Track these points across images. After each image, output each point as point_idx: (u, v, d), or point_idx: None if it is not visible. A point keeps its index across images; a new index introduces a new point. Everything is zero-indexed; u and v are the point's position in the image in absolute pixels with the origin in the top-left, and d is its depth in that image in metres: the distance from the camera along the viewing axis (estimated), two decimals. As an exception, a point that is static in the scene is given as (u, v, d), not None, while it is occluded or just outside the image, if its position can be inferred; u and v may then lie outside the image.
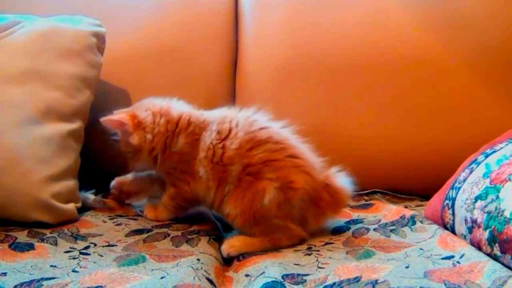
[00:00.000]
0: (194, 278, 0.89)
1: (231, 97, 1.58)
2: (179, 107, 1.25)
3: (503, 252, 0.92)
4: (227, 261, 1.07)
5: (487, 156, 1.11)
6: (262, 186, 1.07)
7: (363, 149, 1.42)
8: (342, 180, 1.14)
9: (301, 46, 1.54)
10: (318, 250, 1.06)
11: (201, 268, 0.94)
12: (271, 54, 1.56)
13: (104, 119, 1.19)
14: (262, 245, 1.08)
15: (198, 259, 0.98)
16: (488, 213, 0.98)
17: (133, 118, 1.19)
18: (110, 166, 1.49)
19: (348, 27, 1.53)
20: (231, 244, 1.08)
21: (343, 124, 1.46)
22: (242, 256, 1.05)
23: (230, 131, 1.13)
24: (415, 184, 1.44)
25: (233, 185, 1.11)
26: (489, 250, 0.95)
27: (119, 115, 1.19)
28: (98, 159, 1.45)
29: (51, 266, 0.95)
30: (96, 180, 1.46)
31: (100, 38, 1.38)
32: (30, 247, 1.04)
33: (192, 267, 0.93)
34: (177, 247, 1.07)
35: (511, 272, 0.87)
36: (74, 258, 1.00)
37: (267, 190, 1.06)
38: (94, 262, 0.98)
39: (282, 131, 1.17)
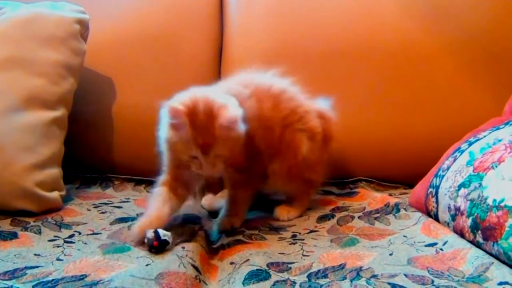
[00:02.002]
0: (179, 265, 0.89)
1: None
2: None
3: (485, 239, 0.93)
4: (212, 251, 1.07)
5: (470, 144, 1.12)
6: (298, 138, 1.17)
7: (348, 137, 1.42)
8: (326, 107, 1.27)
9: (286, 34, 1.53)
10: (303, 239, 1.06)
11: (186, 256, 0.93)
12: (256, 42, 1.55)
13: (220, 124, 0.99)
14: (304, 204, 1.23)
15: (183, 247, 0.97)
16: (471, 200, 0.99)
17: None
18: (94, 155, 1.49)
19: (333, 15, 1.53)
20: (288, 210, 1.20)
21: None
22: (227, 245, 1.05)
23: (257, 94, 1.14)
24: (400, 172, 1.44)
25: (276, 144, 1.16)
26: (471, 237, 0.96)
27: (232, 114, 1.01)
28: (81, 147, 1.44)
29: (35, 254, 0.95)
30: (80, 168, 1.45)
31: (83, 25, 1.37)
32: (14, 235, 1.04)
33: (177, 254, 0.93)
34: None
35: (493, 258, 0.88)
36: (58, 247, 0.99)
37: (302, 142, 1.17)
38: (79, 250, 0.98)
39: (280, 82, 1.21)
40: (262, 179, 1.18)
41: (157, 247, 0.95)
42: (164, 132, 1.04)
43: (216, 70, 1.58)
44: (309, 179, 1.23)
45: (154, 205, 1.06)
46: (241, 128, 1.02)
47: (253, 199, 1.18)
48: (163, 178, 1.10)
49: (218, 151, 1.00)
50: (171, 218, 1.06)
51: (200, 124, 0.98)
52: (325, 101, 1.28)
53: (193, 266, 0.91)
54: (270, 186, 1.21)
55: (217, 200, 1.28)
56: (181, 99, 1.02)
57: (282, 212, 1.20)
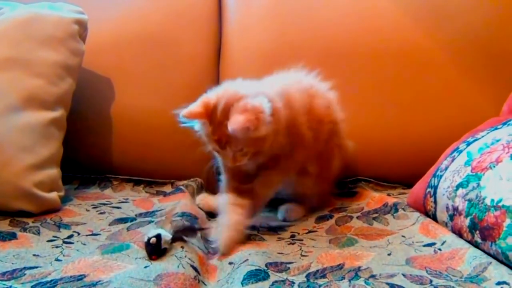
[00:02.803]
0: (178, 266, 0.89)
1: (215, 84, 1.56)
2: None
3: (483, 239, 0.93)
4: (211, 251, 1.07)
5: (468, 144, 1.12)
6: (334, 152, 1.26)
7: (347, 137, 1.42)
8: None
9: (285, 34, 1.53)
10: (302, 239, 1.06)
11: (185, 256, 0.93)
12: (255, 42, 1.55)
13: (230, 129, 0.99)
14: (311, 206, 1.25)
15: (182, 247, 0.97)
16: (469, 200, 0.99)
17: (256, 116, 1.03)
18: (92, 155, 1.49)
19: (333, 15, 1.53)
20: (295, 210, 1.23)
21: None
22: None
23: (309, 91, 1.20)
24: (398, 172, 1.44)
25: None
26: (470, 237, 0.97)
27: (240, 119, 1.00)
28: (80, 148, 1.44)
29: (34, 255, 0.95)
30: (79, 169, 1.45)
31: (82, 25, 1.37)
32: (13, 236, 1.04)
33: (175, 255, 0.93)
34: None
35: (491, 258, 0.88)
36: (57, 247, 0.99)
37: (335, 156, 1.26)
38: (77, 250, 0.98)
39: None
40: (290, 177, 1.19)
41: (156, 259, 0.94)
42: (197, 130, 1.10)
43: (215, 71, 1.58)
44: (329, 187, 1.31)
45: (229, 216, 1.07)
46: (264, 128, 1.01)
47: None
48: (223, 180, 1.19)
49: (235, 147, 1.04)
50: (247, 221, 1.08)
51: (218, 121, 1.03)
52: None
53: (192, 266, 0.91)
54: (297, 185, 1.23)
55: (213, 200, 1.28)
56: (209, 95, 1.07)
57: (290, 212, 1.22)
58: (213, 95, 1.05)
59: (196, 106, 1.04)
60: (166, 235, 0.97)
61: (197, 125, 1.08)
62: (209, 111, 1.03)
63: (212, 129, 1.04)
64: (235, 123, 0.98)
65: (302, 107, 1.14)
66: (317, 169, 1.22)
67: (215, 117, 1.03)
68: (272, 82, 1.17)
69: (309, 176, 1.22)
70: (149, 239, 0.94)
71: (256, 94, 1.04)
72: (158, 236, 0.95)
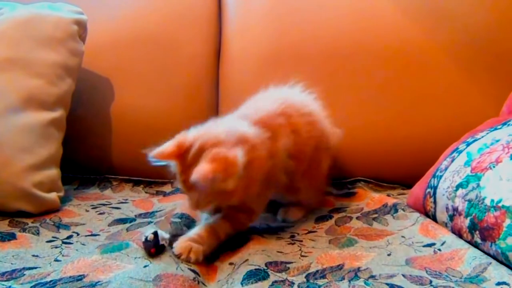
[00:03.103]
0: (176, 268, 0.89)
1: (215, 85, 1.57)
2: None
3: (483, 239, 0.93)
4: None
5: (468, 144, 1.12)
6: (323, 158, 1.24)
7: (347, 138, 1.42)
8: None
9: (285, 34, 1.53)
10: (301, 240, 1.06)
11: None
12: (255, 43, 1.55)
13: (194, 178, 0.93)
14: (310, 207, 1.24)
15: None
16: (469, 201, 0.99)
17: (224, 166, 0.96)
18: (92, 156, 1.49)
19: (331, 16, 1.53)
20: (296, 211, 1.21)
21: (326, 113, 1.46)
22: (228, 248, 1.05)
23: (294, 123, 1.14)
24: (398, 172, 1.44)
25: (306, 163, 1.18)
26: (469, 237, 0.96)
27: (206, 168, 0.94)
28: (79, 148, 1.44)
29: (33, 255, 0.95)
30: (78, 169, 1.45)
31: (81, 26, 1.37)
32: (12, 236, 1.03)
33: (174, 258, 0.94)
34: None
35: (491, 259, 0.88)
36: (56, 247, 0.99)
37: (324, 159, 1.23)
38: (77, 250, 0.98)
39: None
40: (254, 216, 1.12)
41: (154, 253, 0.94)
42: None
43: (215, 71, 1.58)
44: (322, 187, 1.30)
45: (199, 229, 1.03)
46: (231, 183, 0.96)
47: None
48: None
49: (198, 194, 0.99)
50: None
51: (188, 164, 0.97)
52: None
53: (190, 269, 0.91)
54: (289, 198, 1.22)
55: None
56: (187, 134, 1.01)
57: (290, 214, 1.21)
58: (191, 135, 1.00)
59: (169, 146, 0.99)
60: (164, 233, 0.97)
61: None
62: (182, 151, 0.98)
63: (181, 169, 0.99)
64: (199, 172, 0.92)
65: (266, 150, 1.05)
66: (307, 181, 1.20)
67: (186, 159, 0.98)
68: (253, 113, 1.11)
69: (299, 190, 1.20)
70: (146, 237, 0.94)
71: (237, 142, 0.98)
72: (155, 233, 0.95)
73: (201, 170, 0.92)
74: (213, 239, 1.00)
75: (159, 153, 0.99)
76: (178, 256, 0.94)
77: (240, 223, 1.07)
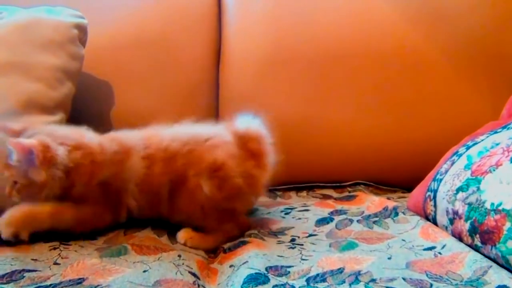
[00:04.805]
0: (176, 273, 0.89)
1: (215, 88, 1.57)
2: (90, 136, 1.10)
3: (483, 242, 0.93)
4: (213, 251, 1.08)
5: (468, 148, 1.12)
6: (193, 185, 1.07)
7: (346, 141, 1.43)
8: (246, 124, 1.14)
9: (284, 37, 1.53)
10: (302, 244, 1.06)
11: (183, 264, 0.94)
12: (254, 45, 1.55)
13: (14, 142, 0.98)
14: (217, 239, 1.09)
15: (179, 255, 0.98)
16: (469, 204, 0.99)
17: (45, 151, 1.00)
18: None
19: (331, 19, 1.54)
20: (190, 235, 1.08)
21: (326, 116, 1.46)
22: (228, 249, 1.05)
23: (151, 155, 1.10)
24: (398, 175, 1.44)
25: (166, 200, 1.10)
26: (470, 241, 0.96)
27: (30, 141, 0.99)
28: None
29: (32, 259, 0.94)
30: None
31: (82, 30, 1.37)
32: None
33: (173, 263, 0.94)
34: (158, 236, 1.07)
35: (491, 262, 0.88)
36: (54, 249, 0.99)
37: (202, 185, 1.06)
38: (76, 251, 0.97)
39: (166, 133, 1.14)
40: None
41: None
42: None
43: (215, 74, 1.58)
44: (233, 209, 1.12)
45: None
46: (44, 171, 0.99)
47: None
48: None
49: (11, 176, 1.01)
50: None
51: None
52: (245, 118, 1.16)
53: (190, 272, 0.91)
54: (175, 219, 1.12)
55: None
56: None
57: (184, 234, 1.09)
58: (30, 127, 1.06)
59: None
60: None
61: None
62: (16, 132, 1.04)
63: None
64: (22, 141, 0.98)
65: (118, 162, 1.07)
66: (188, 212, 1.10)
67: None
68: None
69: (183, 214, 1.11)
70: None
71: (68, 142, 1.03)
72: None
73: (25, 141, 0.98)
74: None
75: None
76: None
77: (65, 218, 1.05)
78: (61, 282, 0.85)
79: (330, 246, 1.04)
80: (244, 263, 0.93)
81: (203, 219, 1.09)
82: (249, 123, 1.14)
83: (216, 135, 1.12)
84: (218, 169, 1.07)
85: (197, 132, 1.13)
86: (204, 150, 1.09)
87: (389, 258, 0.94)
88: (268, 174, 1.13)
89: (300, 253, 1.00)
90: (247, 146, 1.11)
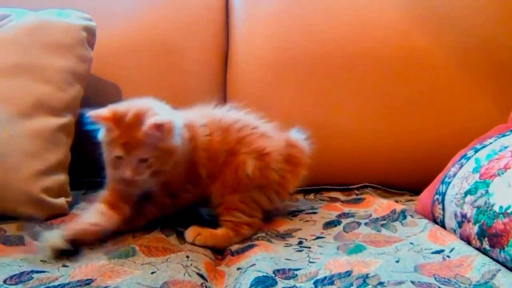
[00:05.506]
0: (184, 274, 0.89)
1: (222, 91, 1.57)
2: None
3: (492, 246, 0.92)
4: (220, 253, 1.08)
5: (476, 151, 1.12)
6: (241, 160, 1.13)
7: (354, 143, 1.42)
8: (298, 137, 1.26)
9: (291, 41, 1.53)
10: (309, 247, 1.06)
11: (191, 265, 0.94)
12: (261, 49, 1.55)
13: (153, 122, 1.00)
14: (226, 236, 1.11)
15: (188, 256, 0.98)
16: (478, 207, 0.99)
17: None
18: (101, 161, 1.49)
19: (337, 21, 1.53)
20: (198, 232, 1.10)
21: (333, 118, 1.46)
22: (236, 252, 1.05)
23: (209, 123, 1.16)
24: (406, 178, 1.44)
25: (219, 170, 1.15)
26: (478, 244, 0.96)
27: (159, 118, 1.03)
28: (88, 154, 1.44)
29: (41, 261, 0.95)
30: (86, 175, 1.45)
31: (90, 32, 1.38)
32: (20, 241, 1.04)
33: (181, 264, 0.94)
34: (167, 236, 1.07)
35: (500, 265, 0.88)
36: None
37: (247, 162, 1.13)
38: (84, 256, 0.98)
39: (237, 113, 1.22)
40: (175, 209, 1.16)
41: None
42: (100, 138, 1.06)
43: (222, 78, 1.58)
44: (257, 201, 1.17)
45: (83, 217, 1.07)
46: (173, 140, 1.04)
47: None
48: (103, 194, 1.12)
49: (142, 155, 1.02)
50: (100, 232, 1.04)
51: (126, 125, 1.01)
52: (298, 132, 1.27)
53: (198, 274, 0.91)
54: (212, 203, 1.16)
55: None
56: (116, 104, 1.06)
57: (192, 231, 1.10)
58: (121, 105, 1.05)
59: (103, 110, 1.03)
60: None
61: (100, 132, 1.05)
62: (117, 116, 1.02)
63: (119, 133, 1.01)
64: (152, 121, 1.00)
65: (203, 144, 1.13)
66: (224, 182, 1.14)
67: (123, 122, 1.01)
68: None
69: (216, 192, 1.15)
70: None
71: (168, 114, 1.07)
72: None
73: (155, 120, 1.00)
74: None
75: (96, 114, 1.01)
76: None
77: (166, 207, 1.14)
78: (69, 283, 0.85)
79: (337, 248, 1.04)
80: (252, 265, 0.93)
81: (235, 191, 1.14)
82: (300, 135, 1.26)
83: (261, 126, 1.21)
84: (266, 155, 1.15)
85: (245, 117, 1.21)
86: (257, 134, 1.18)
87: (397, 261, 0.94)
88: (297, 183, 1.24)
89: (308, 255, 1.00)
90: (292, 152, 1.22)
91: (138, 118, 1.01)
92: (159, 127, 1.00)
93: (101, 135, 1.05)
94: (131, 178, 1.03)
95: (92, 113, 1.01)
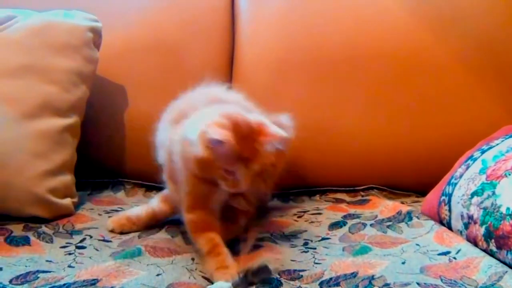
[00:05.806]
0: (189, 277, 0.90)
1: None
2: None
3: (499, 247, 0.92)
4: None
5: (483, 152, 1.12)
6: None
7: (359, 145, 1.42)
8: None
9: (296, 41, 1.53)
10: (315, 248, 1.05)
11: (196, 269, 0.94)
12: (267, 50, 1.55)
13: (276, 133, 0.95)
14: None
15: (193, 258, 0.98)
16: (484, 209, 0.98)
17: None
18: (106, 162, 1.49)
19: (342, 22, 1.53)
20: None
21: (339, 119, 1.46)
22: (241, 253, 1.04)
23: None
24: (412, 180, 1.43)
25: None
26: (485, 245, 0.96)
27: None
28: (94, 155, 1.44)
29: (47, 261, 0.95)
30: (92, 175, 1.46)
31: (96, 33, 1.38)
32: (26, 241, 1.04)
33: (186, 267, 0.94)
34: (172, 237, 1.08)
35: (506, 267, 0.87)
36: (70, 254, 0.99)
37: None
38: (90, 258, 0.98)
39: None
40: None
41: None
42: (197, 152, 0.93)
43: (228, 79, 1.58)
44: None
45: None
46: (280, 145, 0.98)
47: None
48: (189, 222, 1.03)
49: (259, 164, 0.95)
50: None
51: (242, 138, 0.92)
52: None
53: (203, 277, 0.91)
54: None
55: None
56: (215, 120, 0.94)
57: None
58: (217, 116, 0.95)
59: (223, 128, 0.91)
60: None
61: (205, 151, 0.92)
62: (236, 130, 0.92)
63: (240, 148, 0.91)
64: (280, 132, 0.94)
65: None
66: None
67: (239, 134, 0.92)
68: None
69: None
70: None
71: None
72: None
73: (280, 130, 0.95)
74: None
75: (221, 136, 0.89)
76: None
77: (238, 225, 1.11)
78: (75, 282, 0.85)
79: (343, 250, 1.03)
80: None
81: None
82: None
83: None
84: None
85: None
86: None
87: (403, 263, 0.94)
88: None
89: (313, 257, 1.00)
90: None
91: (255, 129, 0.94)
92: (282, 139, 0.95)
93: (205, 151, 0.92)
94: (243, 189, 0.97)
95: (216, 137, 0.89)
